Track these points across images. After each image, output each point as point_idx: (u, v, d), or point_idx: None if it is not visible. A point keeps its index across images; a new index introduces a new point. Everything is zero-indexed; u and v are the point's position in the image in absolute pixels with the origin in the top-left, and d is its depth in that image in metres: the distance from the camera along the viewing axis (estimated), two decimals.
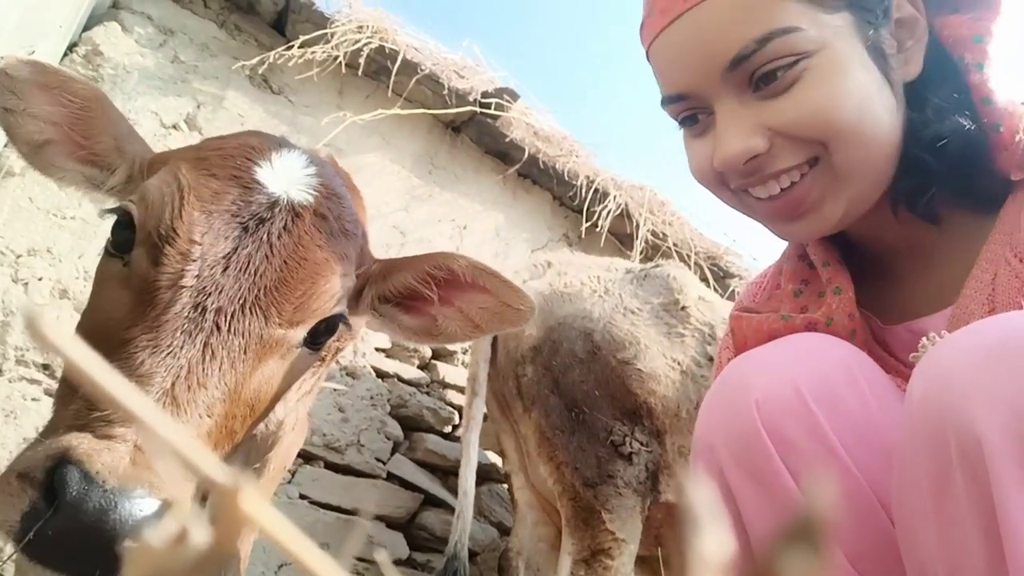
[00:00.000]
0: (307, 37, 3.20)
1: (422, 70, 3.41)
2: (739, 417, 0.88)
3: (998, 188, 0.97)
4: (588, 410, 2.29)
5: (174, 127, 3.04)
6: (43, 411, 2.46)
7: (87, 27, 2.94)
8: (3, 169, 2.57)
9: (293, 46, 3.18)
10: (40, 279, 2.56)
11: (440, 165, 3.73)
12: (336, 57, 3.23)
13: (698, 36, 0.94)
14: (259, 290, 0.80)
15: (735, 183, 0.99)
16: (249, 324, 0.78)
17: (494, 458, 3.25)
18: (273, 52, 3.15)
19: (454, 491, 2.48)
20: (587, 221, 3.86)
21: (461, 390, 3.27)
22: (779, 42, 0.89)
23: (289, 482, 2.82)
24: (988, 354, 0.68)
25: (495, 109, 3.54)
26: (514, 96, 3.58)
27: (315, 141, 3.28)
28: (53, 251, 2.61)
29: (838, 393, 0.88)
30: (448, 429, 3.29)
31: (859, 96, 0.90)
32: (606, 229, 3.88)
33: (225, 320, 0.76)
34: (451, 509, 2.43)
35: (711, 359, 2.47)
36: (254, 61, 3.14)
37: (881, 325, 1.06)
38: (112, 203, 0.97)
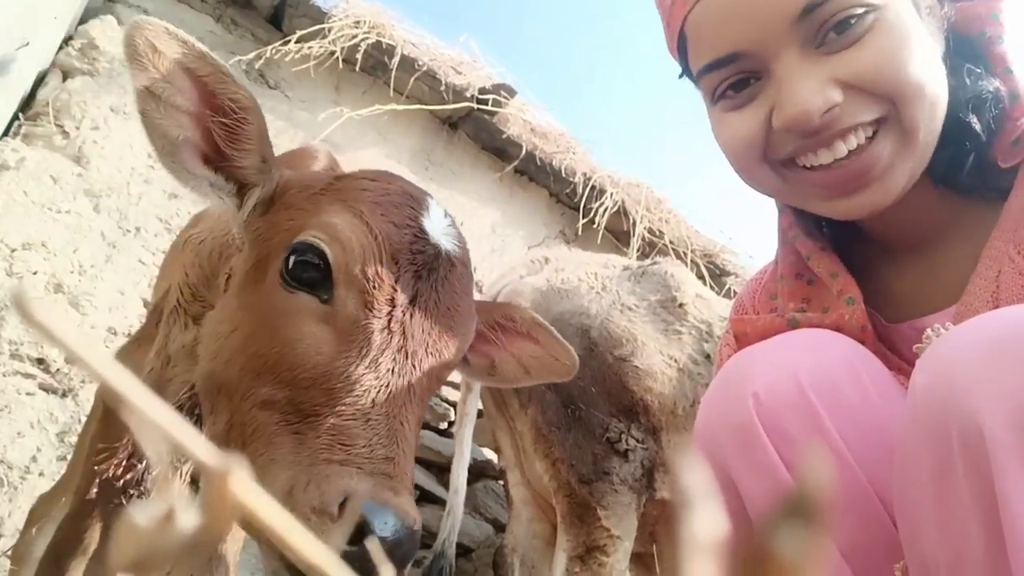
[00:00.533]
0: (304, 32, 3.19)
1: (419, 66, 3.40)
2: (738, 409, 0.89)
3: (1007, 175, 0.96)
4: (584, 407, 2.28)
5: None
6: (37, 405, 2.45)
7: (83, 20, 2.92)
8: None
9: (290, 41, 3.17)
10: (35, 273, 2.55)
11: (437, 161, 3.73)
12: (333, 52, 3.22)
13: None
14: (434, 335, 0.86)
15: (792, 148, 0.95)
16: (430, 366, 0.85)
17: (490, 454, 3.25)
18: (270, 47, 3.14)
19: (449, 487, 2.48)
20: (584, 218, 3.86)
21: (456, 386, 3.26)
22: None
23: None
24: (991, 347, 0.68)
25: (492, 105, 3.53)
26: (511, 92, 3.58)
27: (311, 136, 3.27)
28: (48, 245, 2.60)
29: (840, 387, 0.88)
30: (443, 425, 3.28)
31: (924, 54, 0.90)
32: (603, 226, 3.88)
33: (418, 362, 0.83)
34: (445, 505, 2.43)
35: (708, 356, 2.47)
36: (250, 56, 3.13)
37: (885, 323, 1.06)
38: (236, 218, 0.94)
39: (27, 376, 2.46)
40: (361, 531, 0.67)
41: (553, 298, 2.47)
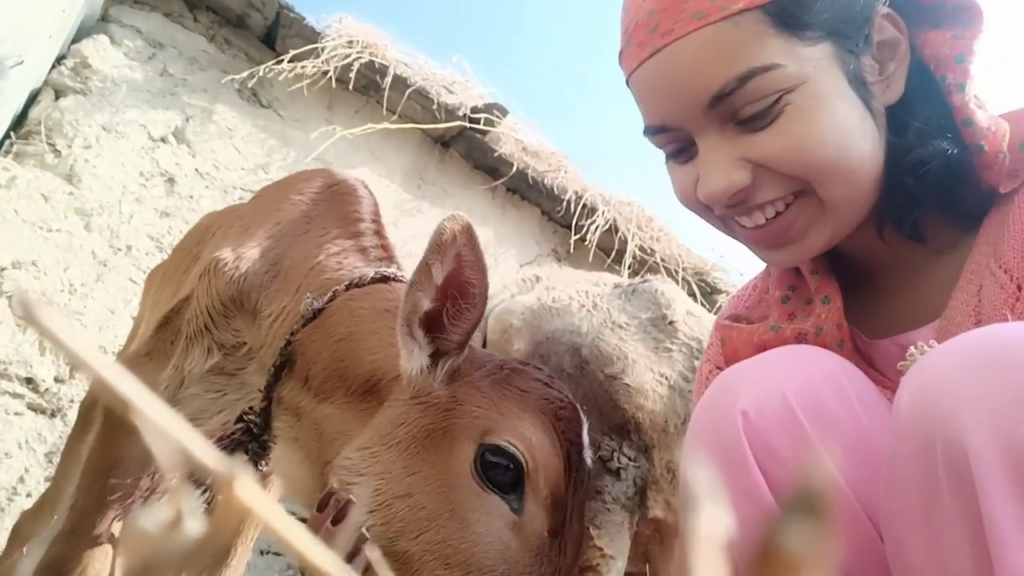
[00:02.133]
0: (297, 51, 3.21)
1: (411, 85, 3.42)
2: (726, 428, 0.89)
3: (983, 201, 0.97)
4: None
5: (162, 140, 3.03)
6: (25, 425, 2.43)
7: (76, 39, 2.93)
8: None
9: (283, 60, 3.19)
10: (25, 291, 2.54)
11: (429, 180, 3.74)
12: (326, 72, 3.24)
13: (676, 74, 0.93)
14: (574, 548, 0.95)
15: (719, 212, 1.00)
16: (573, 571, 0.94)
17: None
18: (263, 66, 3.16)
19: None
20: (575, 236, 3.87)
21: None
22: (759, 80, 0.88)
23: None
24: (976, 365, 0.68)
25: (484, 124, 3.56)
26: (503, 111, 3.60)
27: (304, 155, 3.28)
28: (38, 263, 2.59)
29: (826, 404, 0.88)
30: None
31: (841, 130, 0.90)
32: (594, 244, 3.90)
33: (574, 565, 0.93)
34: None
35: None
36: (244, 75, 3.14)
37: (866, 339, 1.07)
38: (423, 380, 0.98)
39: (15, 396, 2.44)
40: None
41: (544, 316, 2.47)
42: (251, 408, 1.08)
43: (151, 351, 1.23)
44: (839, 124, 0.90)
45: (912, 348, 0.83)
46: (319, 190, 1.35)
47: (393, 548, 0.86)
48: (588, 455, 0.99)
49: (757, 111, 0.90)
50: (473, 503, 0.88)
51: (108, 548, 1.15)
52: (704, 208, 1.02)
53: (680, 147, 1.00)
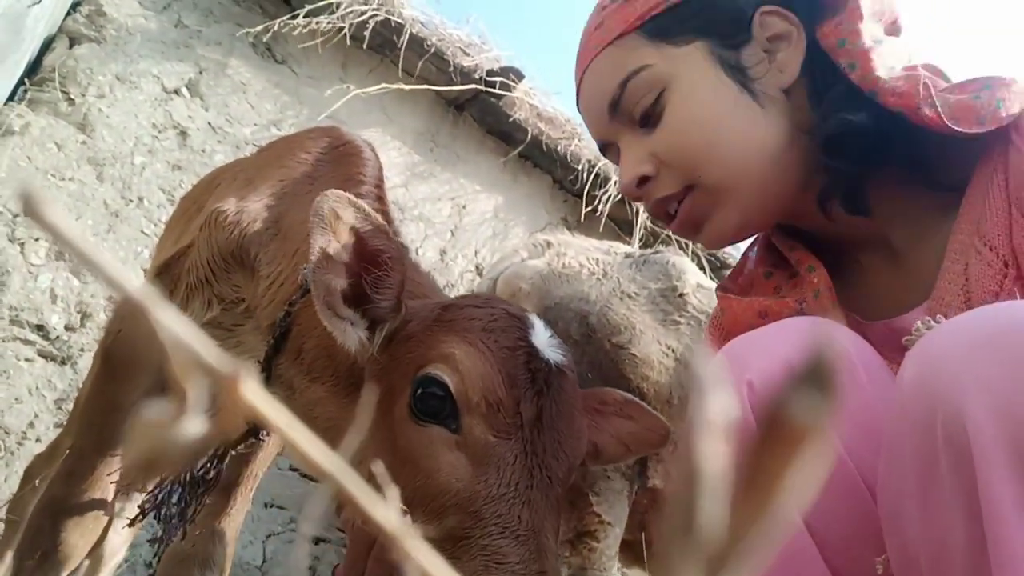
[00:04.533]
0: (312, 6, 3.17)
1: (427, 46, 3.38)
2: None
3: (953, 165, 0.98)
4: None
5: (176, 92, 3.01)
6: (36, 372, 2.46)
7: None
8: (2, 127, 2.55)
9: (298, 15, 3.15)
10: (36, 239, 2.55)
11: (441, 143, 3.72)
12: (341, 29, 3.20)
13: (589, 96, 1.11)
14: (560, 444, 0.92)
15: (646, 208, 1.11)
16: (562, 473, 0.92)
17: None
18: (278, 20, 3.12)
19: None
20: (587, 206, 3.85)
21: None
22: (635, 81, 1.04)
23: (280, 453, 2.83)
24: (980, 342, 0.68)
25: (499, 88, 3.52)
26: (519, 76, 3.56)
27: (317, 113, 3.26)
28: None
29: None
30: None
31: (710, 115, 1.01)
32: (606, 214, 3.88)
33: (552, 473, 0.89)
34: None
35: None
36: (258, 29, 3.11)
37: (860, 321, 1.07)
38: (365, 352, 0.98)
39: (26, 342, 2.47)
40: None
41: (554, 282, 2.47)
42: None
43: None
44: (708, 110, 1.02)
45: (919, 323, 0.82)
46: (324, 149, 1.35)
47: None
48: (548, 353, 0.97)
49: (644, 109, 1.05)
50: (416, 442, 0.89)
51: (107, 489, 1.17)
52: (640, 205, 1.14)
53: (618, 157, 1.13)
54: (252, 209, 1.21)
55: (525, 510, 0.84)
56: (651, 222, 3.97)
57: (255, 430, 1.12)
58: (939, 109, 0.93)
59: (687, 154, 1.02)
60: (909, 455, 0.73)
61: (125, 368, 1.21)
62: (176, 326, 0.15)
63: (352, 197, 0.93)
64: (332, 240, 0.92)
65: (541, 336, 1.00)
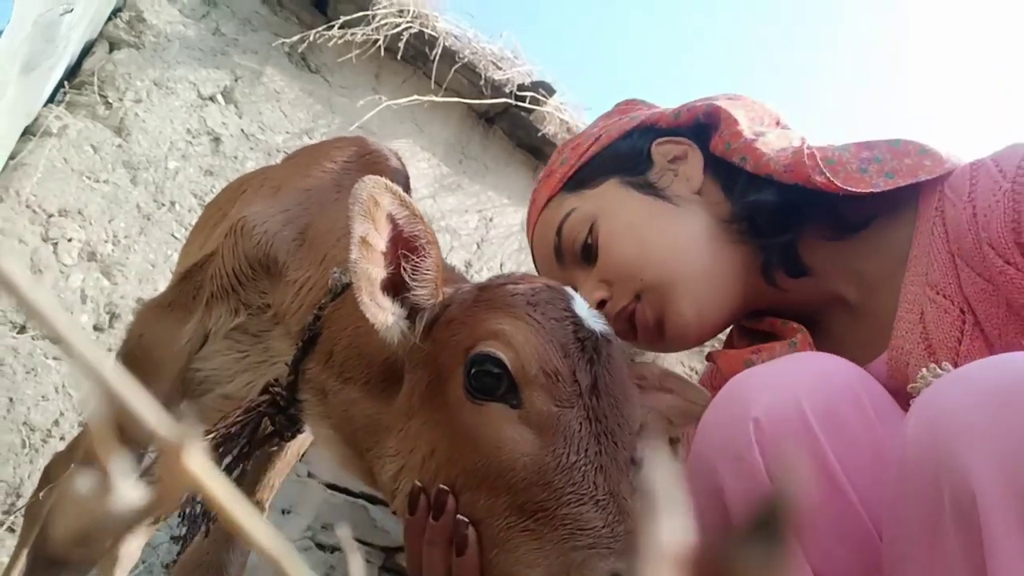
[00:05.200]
0: (348, 18, 3.20)
1: (460, 59, 3.40)
2: (737, 435, 0.87)
3: (866, 209, 1.10)
4: None
5: (211, 99, 3.06)
6: (63, 370, 2.50)
7: None
8: (41, 129, 2.60)
9: (334, 26, 3.18)
10: (69, 240, 2.59)
11: (471, 155, 3.72)
12: (375, 40, 3.23)
13: (539, 254, 1.30)
14: (620, 409, 0.91)
15: (616, 330, 1.19)
16: (627, 438, 0.91)
17: None
18: (313, 31, 3.16)
19: None
20: None
21: None
22: (566, 225, 1.20)
23: (299, 459, 2.84)
24: (982, 402, 0.66)
25: (530, 103, 3.52)
26: (550, 91, 3.56)
27: (349, 123, 3.29)
28: (84, 213, 2.64)
29: (842, 415, 0.86)
30: None
31: (635, 228, 1.15)
32: None
33: (617, 439, 0.89)
34: None
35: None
36: (294, 39, 3.15)
37: None
38: (406, 342, 0.96)
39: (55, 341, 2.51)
40: None
41: None
42: (276, 380, 1.08)
43: (172, 302, 1.24)
44: (632, 222, 1.16)
45: (923, 371, 0.80)
46: (351, 158, 1.35)
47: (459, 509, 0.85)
48: (591, 322, 0.95)
49: (581, 245, 1.19)
50: (475, 422, 0.87)
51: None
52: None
53: None
54: (278, 217, 1.21)
55: (599, 475, 0.81)
56: None
57: (279, 431, 1.11)
58: (828, 176, 1.07)
59: (625, 264, 1.15)
60: (915, 508, 0.71)
61: (144, 374, 1.22)
62: (125, 391, 0.14)
63: (388, 182, 0.92)
64: (371, 228, 0.90)
65: (583, 307, 0.98)
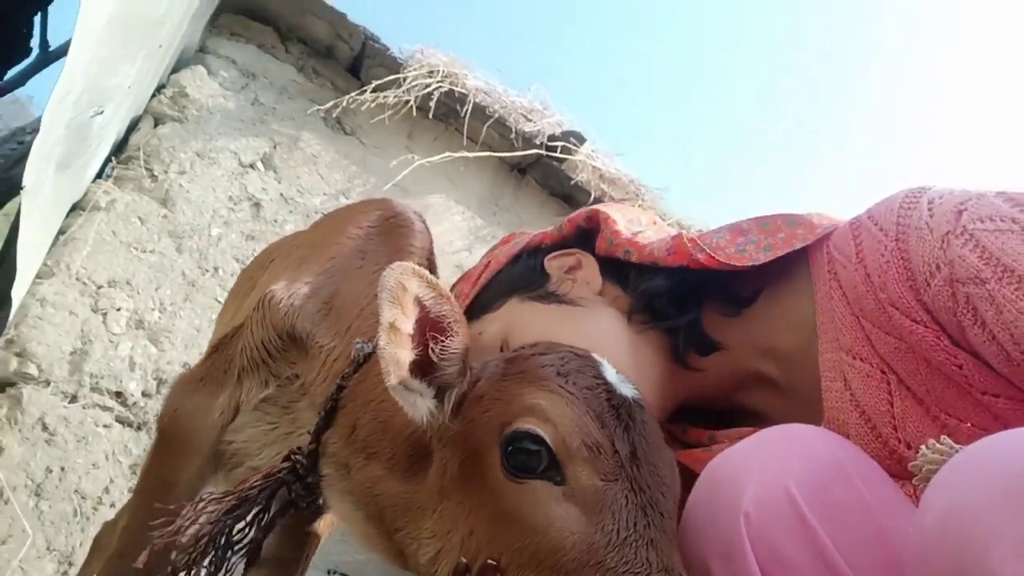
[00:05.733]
0: (380, 82, 3.30)
1: (490, 113, 3.46)
2: (726, 530, 0.83)
3: (752, 284, 1.12)
4: None
5: (251, 166, 3.16)
6: (113, 437, 2.55)
7: (175, 70, 3.10)
8: (90, 203, 2.72)
9: (366, 90, 3.28)
10: (118, 310, 2.68)
11: (505, 207, 3.76)
12: (407, 101, 3.31)
13: None
14: (660, 477, 0.89)
15: None
16: (671, 508, 0.89)
17: None
18: (347, 96, 3.26)
19: None
20: None
21: None
22: (476, 349, 1.14)
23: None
24: (1004, 495, 0.61)
25: (561, 152, 3.55)
26: (580, 140, 3.59)
27: (384, 181, 3.36)
28: (132, 283, 2.73)
29: (833, 495, 0.82)
30: None
31: (545, 331, 1.13)
32: None
33: (663, 509, 0.87)
34: None
35: None
36: (329, 104, 3.25)
37: None
38: (435, 421, 0.95)
39: (105, 408, 2.57)
40: None
41: None
42: (299, 448, 1.08)
43: (205, 376, 1.25)
44: (543, 326, 1.15)
45: (924, 448, 0.75)
46: (375, 223, 1.36)
47: None
48: (622, 388, 0.93)
49: None
50: (518, 501, 0.84)
51: None
52: None
53: None
54: (304, 291, 1.23)
55: (651, 551, 0.79)
56: None
57: (295, 501, 1.10)
58: (709, 253, 1.09)
59: None
60: None
61: (180, 445, 1.23)
62: None
63: (416, 266, 0.92)
64: (399, 313, 0.90)
65: (612, 373, 0.96)
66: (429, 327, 0.94)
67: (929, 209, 0.95)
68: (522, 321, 1.18)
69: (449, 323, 0.94)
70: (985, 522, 0.61)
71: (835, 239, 1.07)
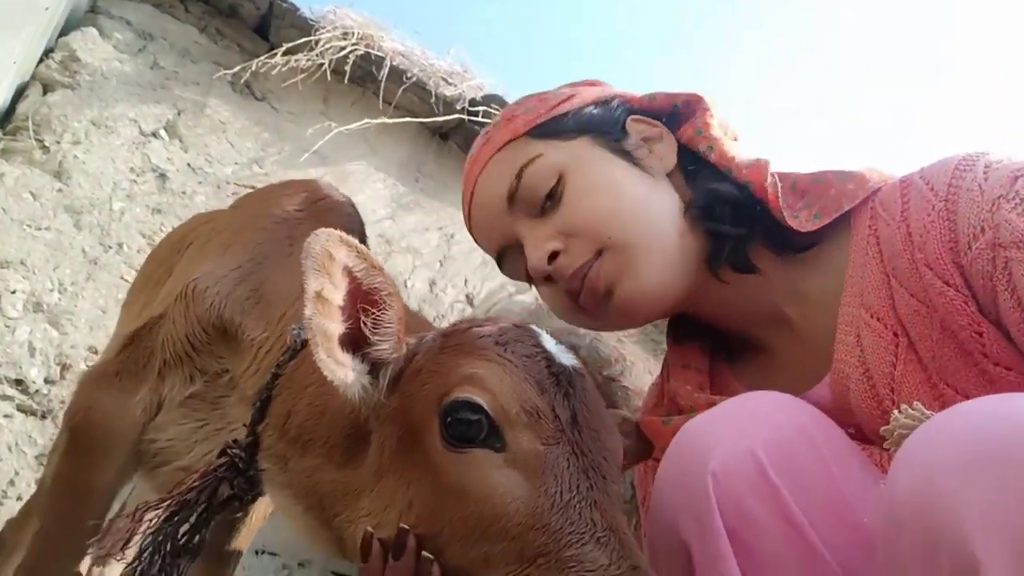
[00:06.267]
0: (291, 44, 3.14)
1: (409, 77, 3.36)
2: (694, 491, 0.86)
3: (802, 236, 1.11)
4: None
5: (154, 134, 2.98)
6: (15, 428, 2.40)
7: (63, 32, 2.87)
8: None
9: (276, 54, 3.12)
10: (13, 292, 2.50)
11: (427, 173, 3.68)
12: (321, 64, 3.17)
13: (485, 197, 1.20)
14: (602, 441, 0.89)
15: (564, 286, 1.15)
16: (613, 470, 0.89)
17: None
18: (256, 60, 3.09)
19: None
20: None
21: None
22: (530, 169, 1.14)
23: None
24: (976, 460, 0.62)
25: (483, 117, 3.49)
26: (502, 103, 3.53)
27: (299, 149, 3.23)
28: (27, 263, 2.55)
29: (798, 461, 0.85)
30: None
31: (609, 183, 1.13)
32: None
33: (605, 471, 0.86)
34: None
35: None
36: (236, 68, 3.08)
37: None
38: (371, 398, 0.92)
39: (5, 398, 2.41)
40: None
41: (543, 317, 2.43)
42: (235, 441, 1.03)
43: (120, 371, 1.18)
44: (609, 177, 1.14)
45: (896, 413, 0.77)
46: (302, 205, 1.30)
47: (441, 561, 0.82)
48: (561, 358, 0.93)
49: (545, 193, 1.14)
50: (459, 471, 0.84)
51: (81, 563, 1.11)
52: (549, 288, 1.19)
53: (516, 261, 1.22)
54: (231, 276, 1.17)
55: (595, 511, 0.80)
56: None
57: (239, 495, 1.06)
58: (778, 194, 1.10)
59: (595, 217, 1.11)
60: (910, 570, 0.68)
61: (96, 447, 1.16)
62: None
63: (343, 234, 0.88)
64: (327, 282, 0.86)
65: (551, 343, 0.96)
66: (360, 299, 0.91)
67: (985, 172, 0.96)
68: (590, 162, 1.15)
69: (382, 295, 0.92)
70: (956, 488, 0.63)
71: (882, 195, 1.07)
